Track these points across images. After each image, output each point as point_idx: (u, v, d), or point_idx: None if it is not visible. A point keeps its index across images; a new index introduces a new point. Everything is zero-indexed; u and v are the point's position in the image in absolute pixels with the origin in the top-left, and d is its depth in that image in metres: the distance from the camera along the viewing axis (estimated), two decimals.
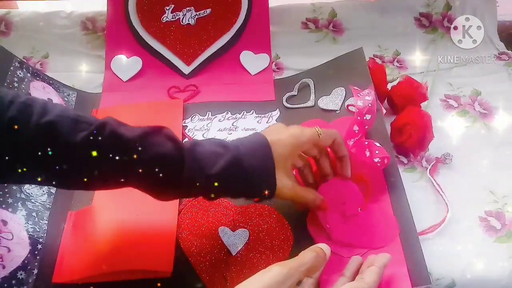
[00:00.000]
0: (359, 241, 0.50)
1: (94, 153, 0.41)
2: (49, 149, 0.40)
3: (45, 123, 0.40)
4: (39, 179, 0.42)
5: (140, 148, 0.42)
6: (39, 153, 0.40)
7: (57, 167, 0.41)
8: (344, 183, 0.53)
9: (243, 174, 0.45)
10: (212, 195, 0.46)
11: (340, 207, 0.52)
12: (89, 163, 0.42)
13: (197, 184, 0.44)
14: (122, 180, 0.44)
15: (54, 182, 0.43)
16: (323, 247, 0.43)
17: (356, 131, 0.55)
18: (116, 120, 0.44)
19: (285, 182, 0.47)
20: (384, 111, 0.67)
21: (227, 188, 0.46)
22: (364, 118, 0.56)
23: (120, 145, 0.42)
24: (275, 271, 0.38)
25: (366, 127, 0.56)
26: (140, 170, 0.43)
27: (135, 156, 0.42)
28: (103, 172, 0.42)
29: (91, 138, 0.41)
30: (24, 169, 0.40)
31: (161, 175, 0.43)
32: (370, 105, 0.57)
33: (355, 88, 0.60)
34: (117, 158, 0.42)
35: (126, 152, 0.42)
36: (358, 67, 0.66)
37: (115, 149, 0.42)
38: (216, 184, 0.44)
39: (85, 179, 0.42)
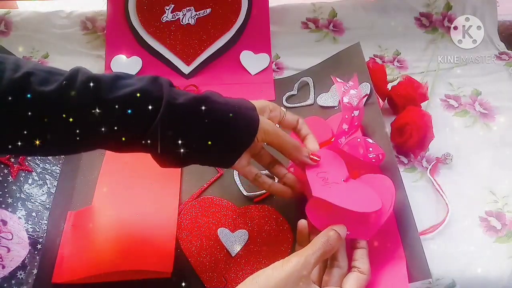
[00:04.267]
0: (340, 200, 0.47)
1: (70, 97, 0.40)
2: (25, 102, 0.39)
3: (19, 76, 0.40)
4: (20, 140, 0.41)
5: (114, 87, 0.42)
6: (16, 109, 0.39)
7: (35, 119, 0.40)
8: (332, 156, 0.52)
9: (224, 101, 0.46)
10: (196, 123, 0.44)
11: (323, 174, 0.51)
12: (65, 109, 0.41)
13: (179, 104, 0.43)
14: (103, 128, 0.42)
15: (37, 139, 0.41)
16: (337, 229, 0.44)
17: (346, 129, 0.55)
18: (86, 69, 0.44)
19: (265, 120, 0.48)
20: (381, 103, 0.67)
21: (210, 111, 0.44)
22: (352, 115, 0.55)
23: (94, 86, 0.41)
24: (293, 261, 0.40)
25: (356, 123, 0.56)
26: (117, 107, 0.41)
27: (110, 95, 0.41)
28: (81, 119, 0.41)
29: (66, 83, 0.41)
30: (5, 128, 0.40)
31: (139, 107, 0.42)
32: (356, 100, 0.56)
33: (339, 80, 0.59)
34: (92, 98, 0.41)
35: (101, 91, 0.41)
36: (355, 62, 0.66)
37: (90, 90, 0.41)
38: (198, 103, 0.44)
39: (64, 129, 0.41)
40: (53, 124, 0.41)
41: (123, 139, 0.43)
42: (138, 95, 0.42)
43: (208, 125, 0.44)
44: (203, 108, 0.44)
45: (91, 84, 0.41)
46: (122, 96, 0.42)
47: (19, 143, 0.41)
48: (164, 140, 0.43)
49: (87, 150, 0.46)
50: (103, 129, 0.42)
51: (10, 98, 0.39)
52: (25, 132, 0.41)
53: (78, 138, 0.42)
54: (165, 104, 0.42)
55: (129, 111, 0.42)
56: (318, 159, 0.50)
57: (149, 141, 0.43)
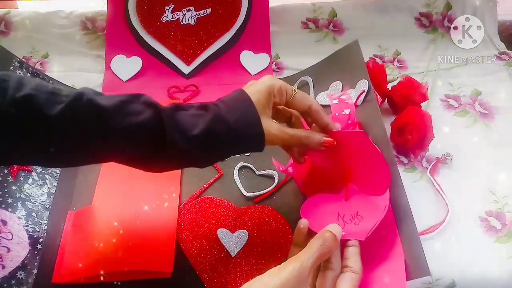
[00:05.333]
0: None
1: (72, 125, 0.40)
2: (27, 123, 0.39)
3: (21, 97, 0.39)
4: (21, 156, 0.42)
5: (118, 118, 0.41)
6: (17, 128, 0.39)
7: (36, 142, 0.40)
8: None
9: (227, 129, 0.44)
10: (201, 159, 0.46)
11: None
12: (68, 136, 0.41)
13: (181, 148, 0.43)
14: (104, 152, 0.43)
15: (38, 158, 0.43)
16: (332, 229, 0.43)
17: (339, 129, 0.55)
18: (93, 90, 0.43)
19: (270, 125, 0.46)
20: (380, 99, 0.67)
21: (214, 147, 0.44)
22: (343, 113, 0.55)
23: (97, 115, 0.41)
24: (290, 267, 0.39)
25: (349, 121, 0.56)
26: (121, 140, 0.42)
27: (113, 126, 0.41)
28: (83, 144, 0.41)
29: (68, 110, 0.40)
30: (5, 143, 0.40)
31: (142, 142, 0.42)
32: (346, 101, 0.56)
33: (332, 95, 0.60)
34: (95, 129, 0.41)
35: (104, 122, 0.41)
36: (354, 60, 0.66)
37: (93, 120, 0.41)
38: (201, 144, 0.43)
39: (66, 153, 0.42)
40: (54, 145, 0.41)
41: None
42: (141, 130, 0.42)
43: (211, 158, 0.47)
44: (204, 150, 0.44)
45: (94, 112, 0.41)
46: (126, 128, 0.41)
47: (20, 159, 0.42)
48: (172, 167, 0.46)
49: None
50: (108, 154, 0.44)
51: (12, 117, 0.39)
52: (25, 149, 0.41)
53: (81, 159, 0.44)
54: (168, 147, 0.42)
55: (133, 143, 0.42)
56: (332, 141, 0.49)
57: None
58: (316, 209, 0.50)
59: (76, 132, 0.41)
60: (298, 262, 0.39)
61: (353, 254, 0.44)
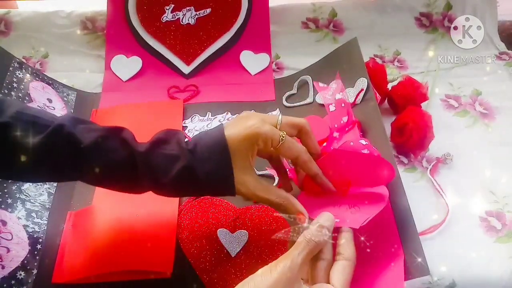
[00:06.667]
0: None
1: (50, 158, 0.42)
2: (3, 150, 0.40)
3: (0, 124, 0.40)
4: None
5: (94, 154, 0.43)
6: None
7: (13, 168, 0.42)
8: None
9: (196, 182, 0.44)
10: (174, 196, 0.49)
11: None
12: (45, 167, 0.42)
13: (153, 190, 0.46)
14: (81, 180, 0.45)
15: (15, 179, 0.45)
16: (322, 221, 0.41)
17: (337, 136, 0.55)
18: (73, 120, 0.44)
19: (243, 181, 0.44)
20: (379, 97, 0.67)
21: (184, 191, 0.47)
22: (341, 122, 0.55)
23: (75, 150, 0.42)
24: (281, 265, 0.38)
25: (347, 129, 0.55)
26: (97, 174, 0.43)
27: (89, 163, 0.43)
28: (60, 174, 0.44)
29: (47, 142, 0.41)
30: None
31: (117, 178, 0.45)
32: (343, 105, 0.55)
33: (321, 85, 0.59)
34: (72, 163, 0.43)
35: (81, 158, 0.43)
36: (353, 58, 0.66)
37: (70, 156, 0.42)
38: (171, 190, 0.45)
39: (43, 177, 0.45)
40: (30, 173, 0.43)
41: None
42: (116, 169, 0.44)
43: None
44: (175, 194, 0.47)
45: (72, 148, 0.42)
46: (102, 165, 0.43)
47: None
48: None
49: None
50: (86, 182, 0.46)
51: None
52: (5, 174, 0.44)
53: (60, 181, 0.48)
54: (141, 186, 0.45)
55: (109, 178, 0.45)
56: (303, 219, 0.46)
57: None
58: (312, 198, 0.49)
59: (53, 164, 0.42)
60: (288, 260, 0.38)
61: (345, 239, 0.42)
